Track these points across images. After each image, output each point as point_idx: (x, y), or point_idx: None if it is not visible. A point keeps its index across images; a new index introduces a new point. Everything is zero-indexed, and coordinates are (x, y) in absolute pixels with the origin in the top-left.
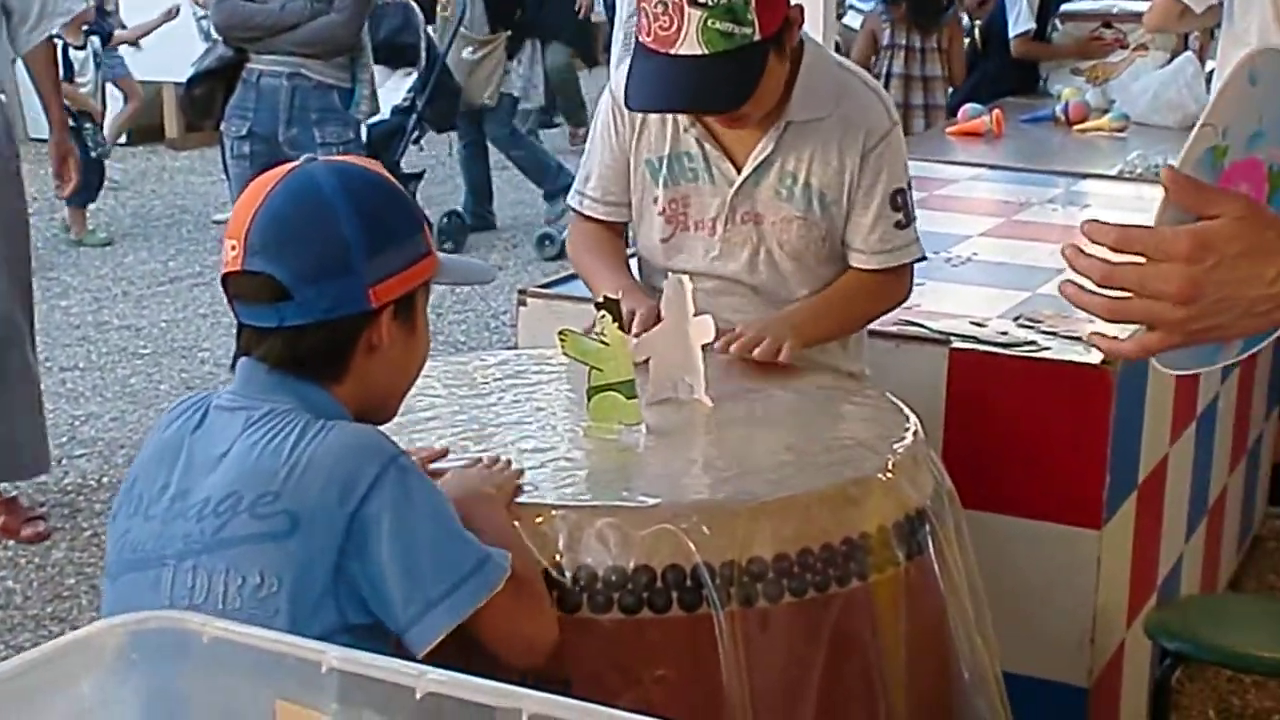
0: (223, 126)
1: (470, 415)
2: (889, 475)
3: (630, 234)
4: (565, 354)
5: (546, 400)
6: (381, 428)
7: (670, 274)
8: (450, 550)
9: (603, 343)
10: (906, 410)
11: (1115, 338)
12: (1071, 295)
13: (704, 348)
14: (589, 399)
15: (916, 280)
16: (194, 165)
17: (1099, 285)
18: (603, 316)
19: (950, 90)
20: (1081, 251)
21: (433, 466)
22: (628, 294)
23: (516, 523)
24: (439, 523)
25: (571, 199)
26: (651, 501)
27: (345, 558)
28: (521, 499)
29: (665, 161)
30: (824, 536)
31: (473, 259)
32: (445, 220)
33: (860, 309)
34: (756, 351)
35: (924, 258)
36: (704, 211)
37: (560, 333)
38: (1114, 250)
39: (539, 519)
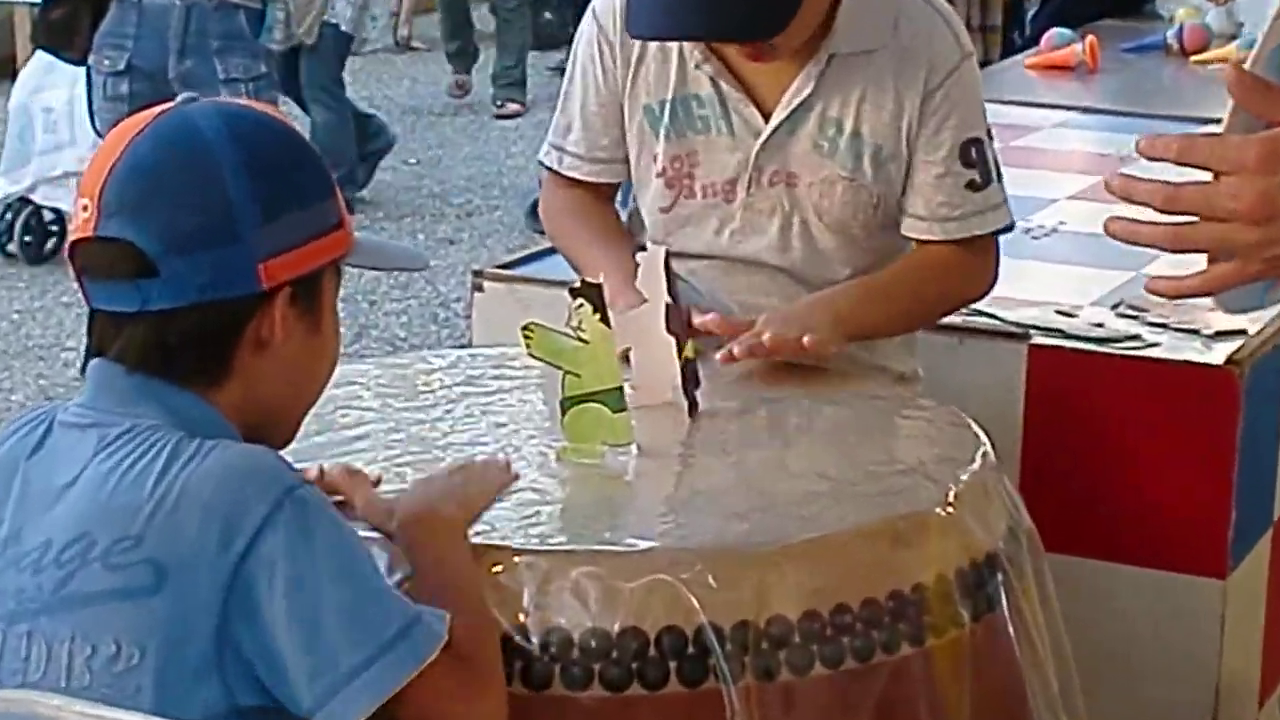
0: (91, 59)
1: (410, 433)
2: (950, 510)
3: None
4: (532, 355)
5: (509, 414)
6: (289, 450)
7: (651, 246)
8: (366, 609)
9: (580, 340)
10: (974, 427)
11: (1175, 278)
12: (1121, 231)
13: (677, 339)
14: (563, 413)
15: None
16: None
17: (1160, 212)
18: (579, 306)
19: (1020, 11)
20: (1133, 179)
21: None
22: (617, 276)
23: None
24: (351, 573)
25: (546, 156)
26: (643, 545)
27: (229, 620)
28: (476, 541)
29: (668, 107)
30: (866, 590)
31: (399, 242)
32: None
33: (926, 296)
34: (766, 346)
35: (1010, 226)
36: (717, 171)
37: (525, 328)
38: (1177, 163)
39: (498, 567)
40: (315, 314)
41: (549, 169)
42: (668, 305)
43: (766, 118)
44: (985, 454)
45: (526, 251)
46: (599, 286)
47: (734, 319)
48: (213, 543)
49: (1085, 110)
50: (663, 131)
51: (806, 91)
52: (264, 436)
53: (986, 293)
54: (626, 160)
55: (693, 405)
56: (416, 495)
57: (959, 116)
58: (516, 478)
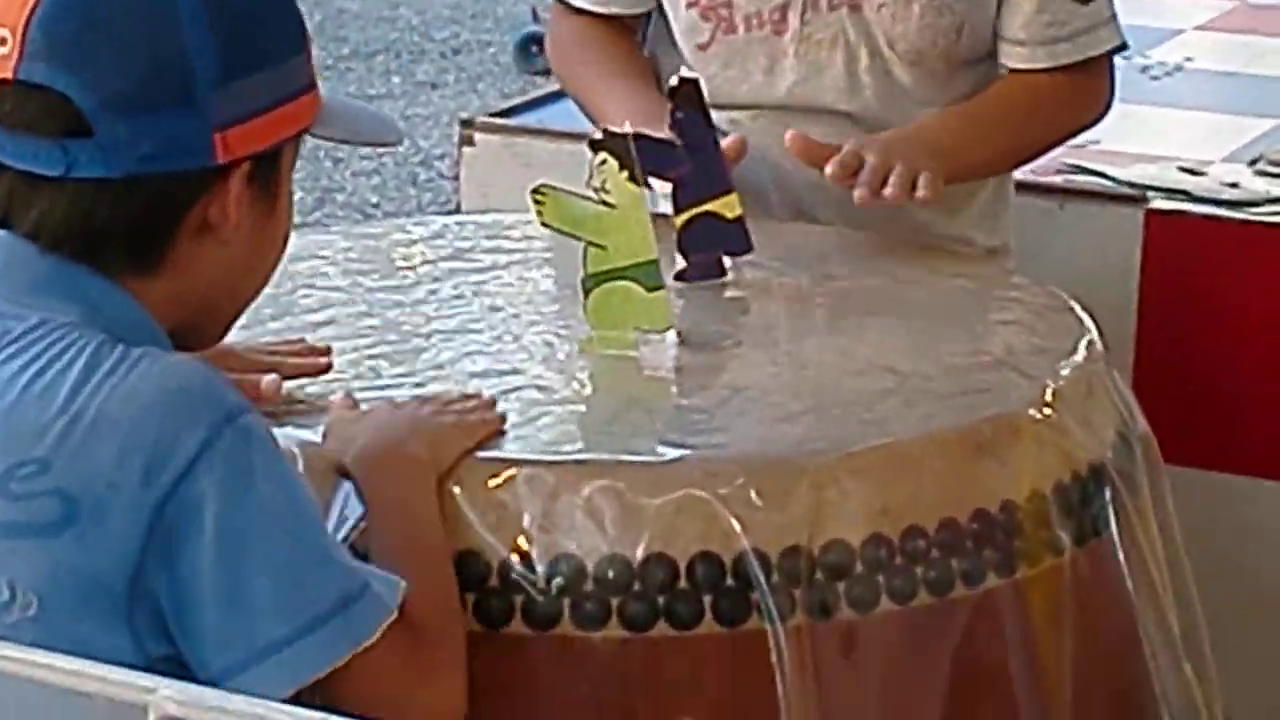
0: None
1: (385, 320)
2: (1048, 413)
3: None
4: (544, 224)
5: (506, 295)
6: (234, 336)
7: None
8: (301, 572)
9: (605, 204)
10: (1078, 310)
11: None
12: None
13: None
14: (586, 293)
15: None
16: None
17: None
18: (603, 163)
19: None
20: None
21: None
22: (640, 121)
23: (457, 490)
24: (290, 525)
25: None
26: (671, 454)
27: (145, 567)
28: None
29: None
30: (945, 508)
31: (369, 106)
32: None
33: (1033, 125)
34: (886, 189)
35: (1124, 46)
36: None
37: (535, 190)
38: None
39: (493, 480)
40: (272, 194)
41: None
42: (642, 141)
43: None
44: (1091, 344)
45: (525, 97)
46: (625, 137)
47: (816, 145)
48: (134, 475)
49: None
50: None
51: None
52: (191, 337)
53: (1098, 120)
54: None
55: (718, 269)
56: (380, 424)
57: None
58: (502, 424)
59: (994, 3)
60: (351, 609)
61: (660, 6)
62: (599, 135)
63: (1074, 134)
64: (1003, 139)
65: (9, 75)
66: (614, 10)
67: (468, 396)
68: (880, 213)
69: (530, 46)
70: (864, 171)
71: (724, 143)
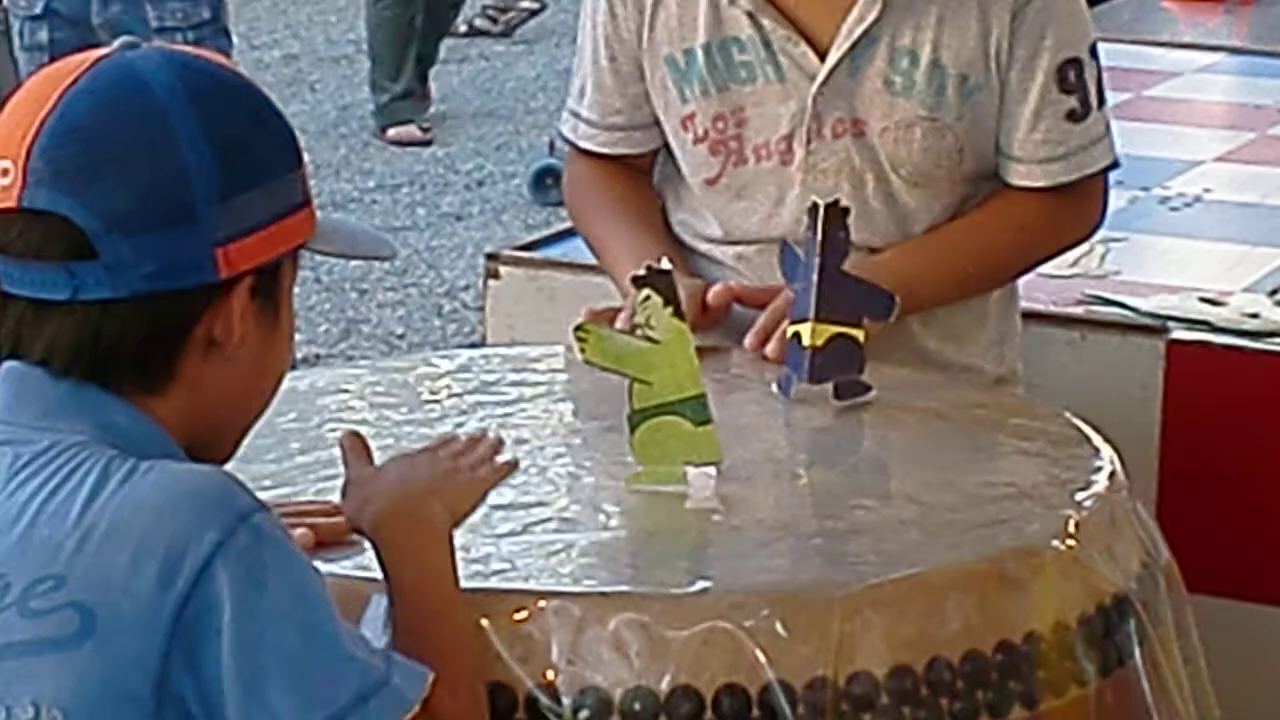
0: (7, 1)
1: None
2: (1070, 543)
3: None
4: (588, 361)
5: (532, 428)
6: (267, 473)
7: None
8: (316, 667)
9: (650, 339)
10: (1096, 440)
11: None
12: None
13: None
14: (632, 429)
15: (1112, 233)
16: None
17: None
18: (646, 299)
19: None
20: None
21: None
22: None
23: (485, 622)
24: (305, 621)
25: (564, 124)
26: (697, 586)
27: (171, 672)
28: (494, 583)
29: (700, 56)
30: (969, 641)
31: (362, 222)
32: None
33: (1011, 249)
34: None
35: (1116, 164)
36: (770, 128)
37: (579, 329)
38: None
39: (520, 614)
40: (274, 308)
41: (567, 140)
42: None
43: (822, 56)
44: (1112, 474)
45: (549, 230)
46: (669, 274)
47: (751, 287)
48: (150, 580)
49: (1236, 51)
50: (696, 86)
51: (871, 18)
52: (205, 452)
53: (1090, 236)
54: (652, 126)
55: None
56: (396, 483)
57: (1056, 34)
58: (515, 466)
59: (994, 122)
60: (369, 704)
61: (667, 145)
62: (642, 272)
63: (1063, 251)
64: (975, 261)
65: (13, 204)
66: (621, 151)
67: (474, 439)
68: (886, 343)
69: (545, 179)
70: (765, 318)
71: (711, 292)
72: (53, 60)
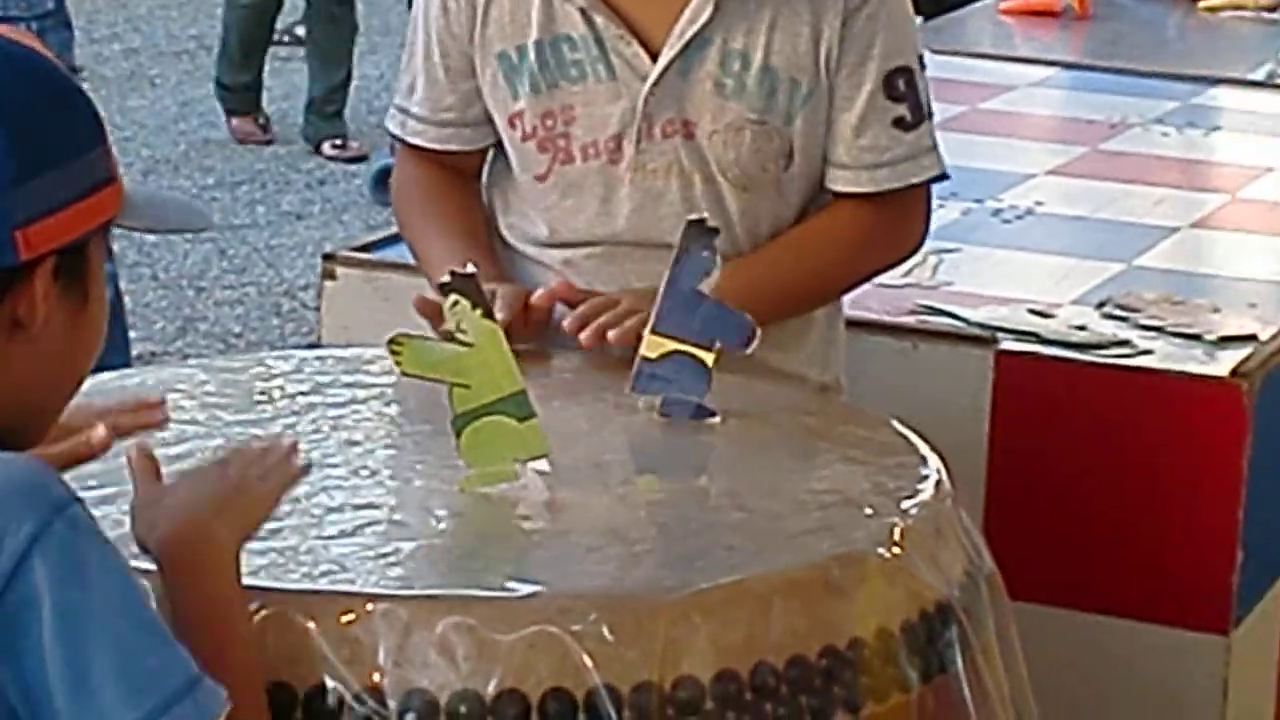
0: None
1: None
2: (895, 551)
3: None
4: (405, 373)
5: (365, 429)
6: (89, 471)
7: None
8: (145, 656)
9: (462, 343)
10: (923, 449)
11: None
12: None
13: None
14: (456, 434)
15: (945, 244)
16: None
17: None
18: (455, 304)
19: None
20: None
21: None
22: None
23: (311, 624)
24: (128, 612)
25: (390, 121)
26: (524, 590)
27: None
28: (322, 585)
29: (532, 52)
30: (794, 646)
31: (179, 195)
32: None
33: (835, 265)
34: (610, 334)
35: (944, 175)
36: (599, 127)
37: (391, 340)
38: None
39: (347, 616)
40: (81, 288)
41: (395, 137)
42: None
43: (655, 56)
44: (939, 483)
45: (388, 231)
46: (473, 276)
47: (577, 289)
48: None
49: (1071, 66)
50: (526, 83)
51: (703, 19)
52: (14, 438)
53: (907, 257)
54: (484, 123)
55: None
56: (181, 501)
57: (885, 40)
58: (308, 469)
59: (821, 127)
60: (197, 691)
61: (499, 143)
62: (447, 278)
63: (888, 267)
64: (791, 276)
65: None
66: (451, 147)
67: (266, 448)
68: None
69: (386, 179)
70: (585, 306)
71: (534, 294)
72: None
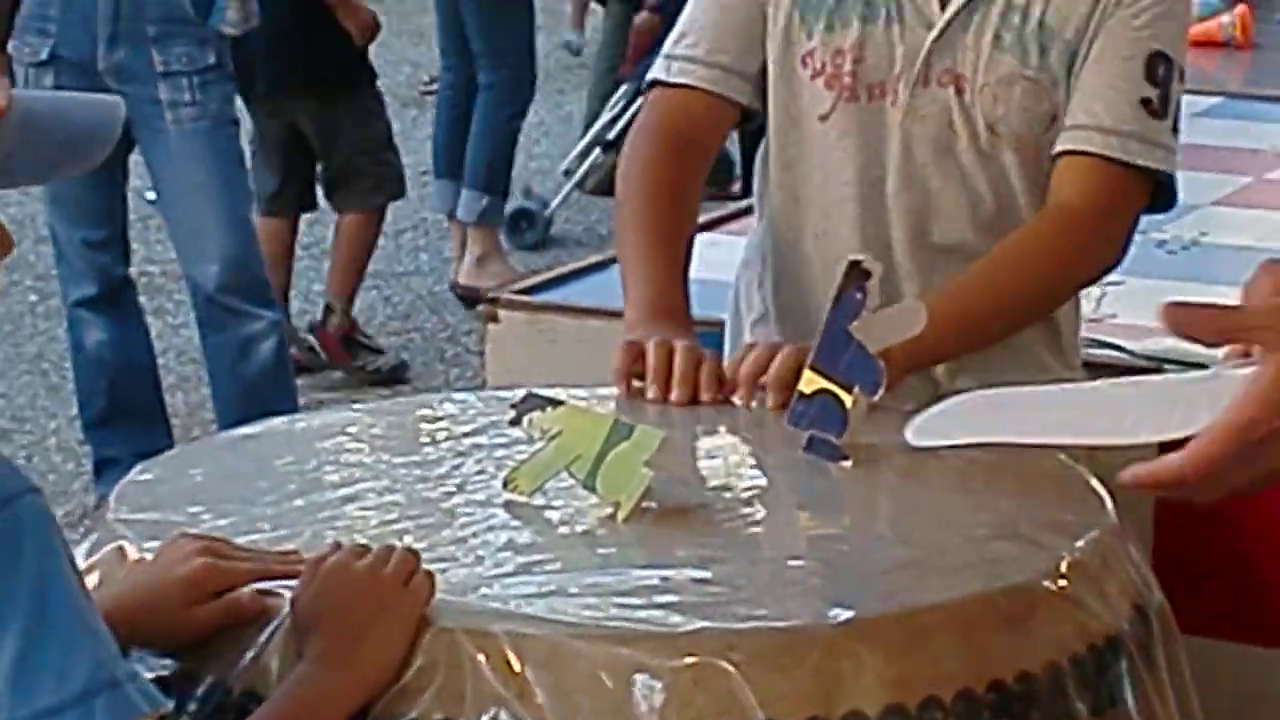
0: (12, 46)
1: (409, 495)
2: (1063, 583)
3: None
4: (530, 495)
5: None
6: (268, 517)
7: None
8: (53, 653)
9: (551, 439)
10: (1093, 481)
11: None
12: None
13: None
14: (594, 490)
15: (1111, 277)
16: None
17: None
18: (528, 423)
19: None
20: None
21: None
22: (644, 299)
23: (482, 658)
24: (46, 608)
25: (657, 70)
26: (691, 624)
27: None
28: (490, 623)
29: None
30: (962, 679)
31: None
32: None
33: (1037, 280)
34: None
35: (1173, 187)
36: (884, 69)
37: (507, 482)
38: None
39: (514, 652)
40: None
41: (658, 82)
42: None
43: (943, 5)
44: (1106, 515)
45: (549, 274)
46: (529, 397)
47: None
48: None
49: (1234, 95)
50: (823, 21)
51: None
52: None
53: (1114, 266)
54: (750, 80)
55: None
56: (339, 586)
57: (1160, 24)
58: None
59: None
60: (96, 701)
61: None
62: (512, 411)
63: (1091, 280)
64: (996, 302)
65: None
66: (718, 90)
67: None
68: None
69: (520, 222)
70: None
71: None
72: None
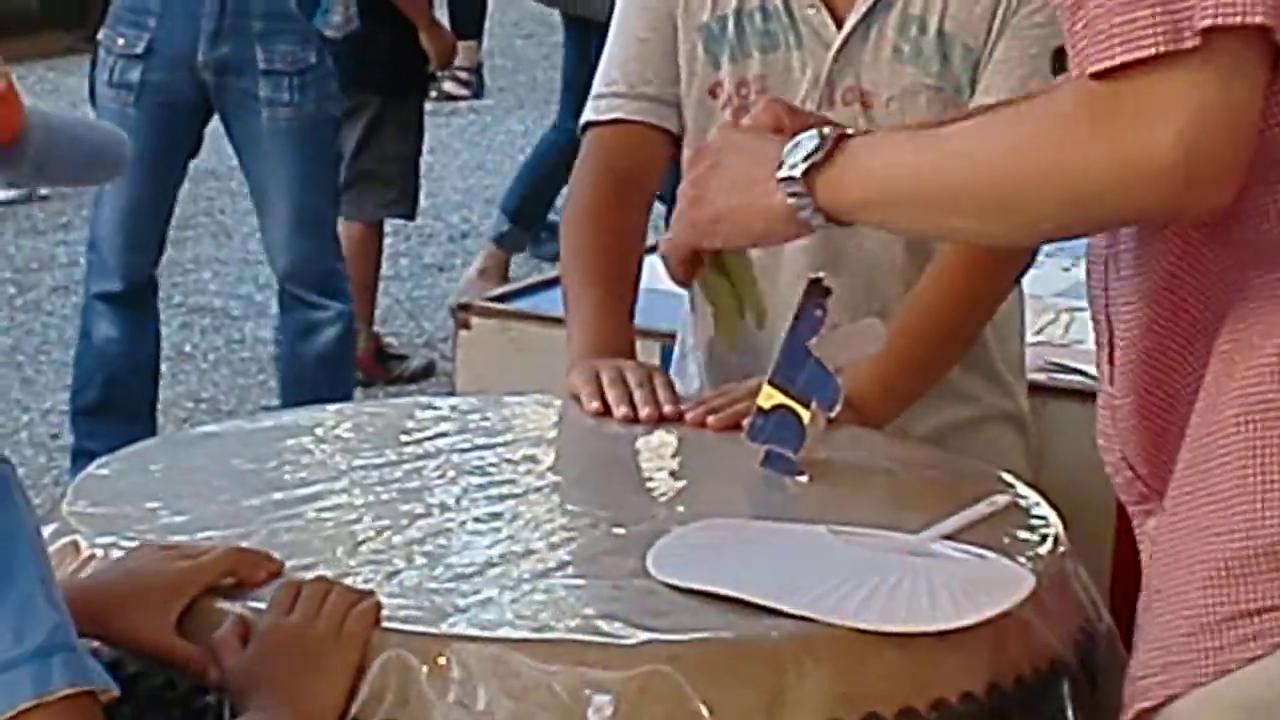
0: (103, 35)
1: (370, 495)
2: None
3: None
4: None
5: (493, 474)
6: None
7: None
8: (9, 613)
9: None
10: (1044, 505)
11: None
12: None
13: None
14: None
15: (1076, 301)
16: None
17: None
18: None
19: None
20: None
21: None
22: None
23: (425, 669)
24: (5, 572)
25: (588, 113)
26: (631, 633)
27: None
28: (439, 628)
29: (730, 23)
30: (904, 697)
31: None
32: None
33: (958, 317)
34: (710, 419)
35: None
36: (787, 95)
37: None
38: None
39: (460, 659)
40: None
41: (584, 127)
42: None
43: (839, 23)
44: (1056, 538)
45: (525, 282)
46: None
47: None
48: None
49: None
50: (726, 52)
51: None
52: None
53: (1024, 273)
54: (674, 106)
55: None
56: (293, 625)
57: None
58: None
59: None
60: (53, 659)
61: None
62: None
63: (1007, 292)
64: (940, 347)
65: None
66: (652, 120)
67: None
68: None
69: (542, 233)
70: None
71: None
72: (140, 105)
